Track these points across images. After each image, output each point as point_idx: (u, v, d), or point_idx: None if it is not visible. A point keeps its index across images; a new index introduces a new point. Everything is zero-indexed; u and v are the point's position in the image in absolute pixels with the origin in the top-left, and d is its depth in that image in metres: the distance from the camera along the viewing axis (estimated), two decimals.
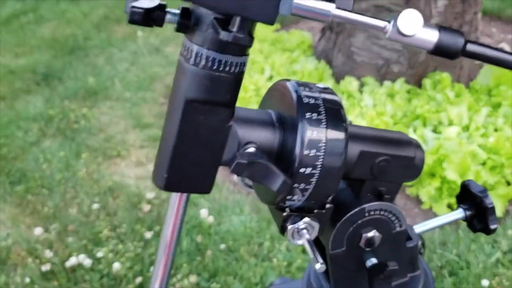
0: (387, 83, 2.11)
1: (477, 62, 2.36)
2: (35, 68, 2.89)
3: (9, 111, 2.53)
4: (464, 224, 1.56)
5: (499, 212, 1.74)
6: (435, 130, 1.95)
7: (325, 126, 0.40)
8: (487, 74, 2.15)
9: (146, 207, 1.89)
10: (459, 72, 2.15)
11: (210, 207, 1.84)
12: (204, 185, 0.42)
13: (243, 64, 0.38)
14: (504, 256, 1.62)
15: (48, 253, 1.69)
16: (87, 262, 1.64)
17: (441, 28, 0.36)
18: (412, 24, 0.35)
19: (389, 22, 0.36)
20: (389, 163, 0.46)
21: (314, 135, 0.40)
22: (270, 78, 2.19)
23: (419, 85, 2.14)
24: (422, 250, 0.67)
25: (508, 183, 1.82)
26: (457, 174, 1.73)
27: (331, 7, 0.34)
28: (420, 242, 0.65)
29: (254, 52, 2.40)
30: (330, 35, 2.28)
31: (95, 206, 1.92)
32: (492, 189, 1.80)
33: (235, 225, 1.77)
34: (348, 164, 0.43)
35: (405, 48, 2.02)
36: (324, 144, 0.40)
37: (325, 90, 0.44)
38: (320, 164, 0.40)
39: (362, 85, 2.16)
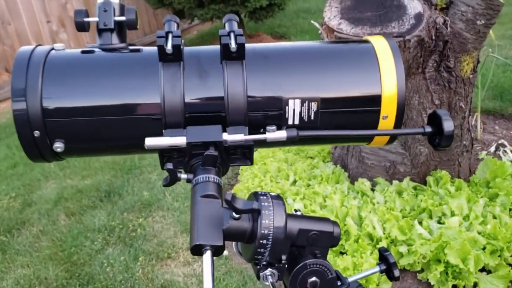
0: (395, 182, 2.44)
1: (480, 157, 2.67)
2: (99, 187, 3.40)
3: (78, 224, 2.99)
4: None
5: None
6: (439, 221, 2.22)
7: (272, 217, 0.76)
8: (484, 168, 2.45)
9: None
10: (458, 169, 2.45)
11: None
12: (219, 241, 0.71)
13: (221, 182, 0.74)
14: None
15: None
16: None
17: (286, 127, 0.76)
18: (271, 128, 0.76)
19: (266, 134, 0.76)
20: (318, 236, 0.81)
21: (266, 222, 0.75)
22: (294, 182, 2.56)
23: (424, 182, 2.46)
24: None
25: (510, 265, 2.04)
26: (459, 258, 1.98)
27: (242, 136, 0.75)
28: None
29: (280, 161, 2.81)
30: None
31: None
32: (494, 271, 2.02)
33: None
34: (292, 236, 0.78)
35: (406, 151, 2.38)
36: (272, 225, 0.75)
37: (276, 196, 0.81)
38: (270, 237, 0.75)
39: (374, 184, 2.49)
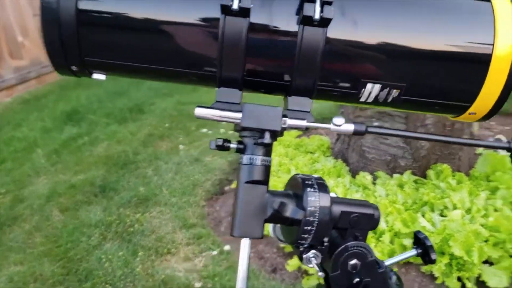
0: (396, 175, 2.45)
1: (477, 152, 2.70)
2: (93, 182, 3.34)
3: (73, 220, 2.93)
4: None
5: (504, 282, 1.97)
6: (441, 214, 2.24)
7: (318, 196, 0.75)
8: (484, 162, 2.48)
9: None
10: (458, 163, 2.47)
11: None
12: (257, 232, 0.73)
13: (269, 161, 0.72)
14: None
15: None
16: None
17: (355, 123, 0.70)
18: (339, 121, 0.69)
19: (330, 124, 0.70)
20: (359, 218, 0.80)
21: (312, 199, 0.74)
22: None
23: (424, 175, 2.47)
24: (398, 282, 0.97)
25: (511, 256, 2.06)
26: (463, 250, 2.00)
27: (304, 122, 0.70)
28: (395, 277, 0.96)
29: (280, 156, 2.80)
30: (344, 138, 2.68)
31: None
32: (497, 262, 2.04)
33: None
34: (334, 218, 0.77)
35: (407, 145, 2.39)
36: (318, 204, 0.74)
37: (318, 178, 0.79)
38: (317, 214, 0.74)
39: (375, 178, 2.50)
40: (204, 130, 4.04)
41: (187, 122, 4.26)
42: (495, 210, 2.20)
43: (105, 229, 2.79)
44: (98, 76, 0.68)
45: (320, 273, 0.76)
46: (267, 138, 0.69)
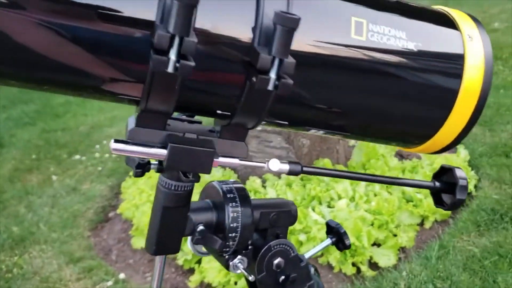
0: (283, 175, 2.53)
1: (350, 144, 2.89)
2: None
3: None
4: (369, 276, 1.91)
5: (393, 260, 2.13)
6: (329, 206, 2.36)
7: (239, 204, 0.73)
8: (359, 153, 2.67)
9: None
10: (337, 156, 2.63)
11: None
12: (175, 250, 0.72)
13: (192, 186, 0.68)
14: None
15: None
16: None
17: (290, 162, 0.68)
18: (275, 165, 0.67)
19: (265, 163, 0.66)
20: (278, 216, 0.80)
21: (234, 205, 0.72)
22: None
23: None
24: (316, 274, 1.00)
25: (395, 235, 2.24)
26: (353, 237, 2.12)
27: (236, 160, 0.66)
28: (313, 269, 0.98)
29: None
30: None
31: None
32: (383, 243, 2.20)
33: None
34: (255, 220, 0.76)
35: (290, 144, 2.48)
36: (240, 213, 0.72)
37: (235, 182, 0.78)
38: (240, 221, 0.72)
39: (264, 181, 2.55)
40: (77, 156, 3.79)
41: (56, 151, 3.96)
42: (375, 195, 2.38)
43: None
44: None
45: (251, 277, 0.74)
46: (193, 179, 0.64)
